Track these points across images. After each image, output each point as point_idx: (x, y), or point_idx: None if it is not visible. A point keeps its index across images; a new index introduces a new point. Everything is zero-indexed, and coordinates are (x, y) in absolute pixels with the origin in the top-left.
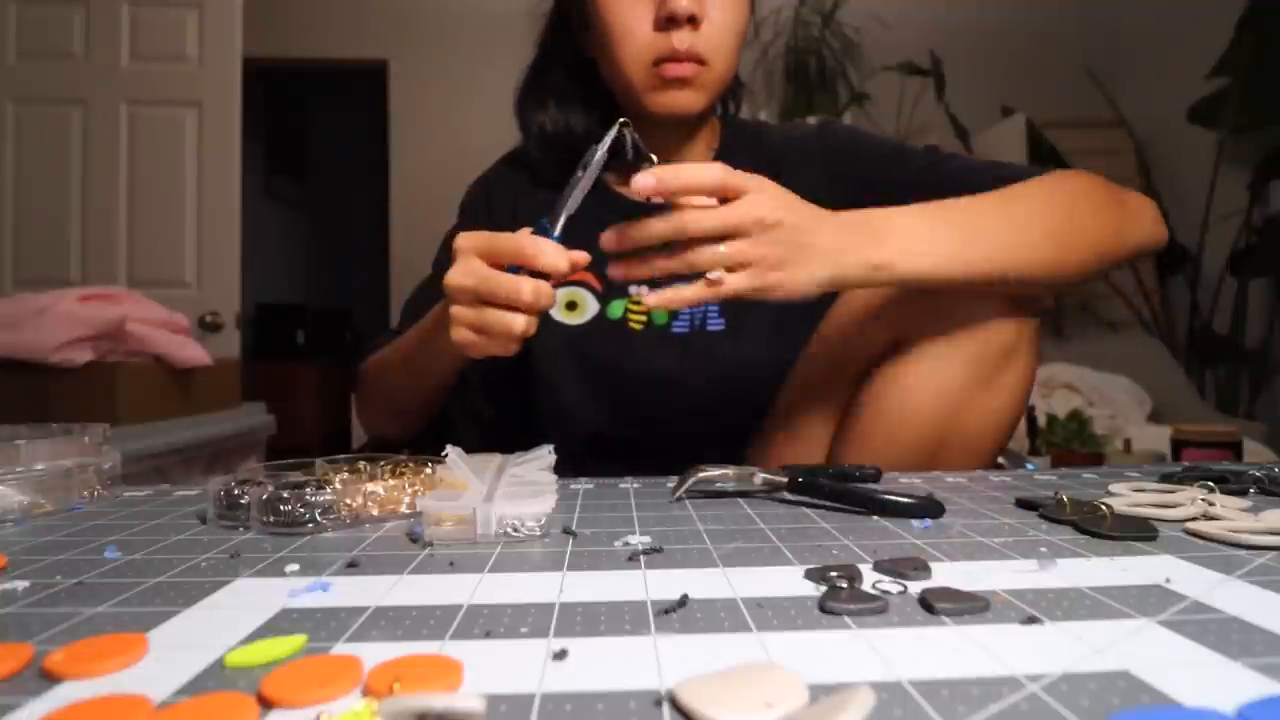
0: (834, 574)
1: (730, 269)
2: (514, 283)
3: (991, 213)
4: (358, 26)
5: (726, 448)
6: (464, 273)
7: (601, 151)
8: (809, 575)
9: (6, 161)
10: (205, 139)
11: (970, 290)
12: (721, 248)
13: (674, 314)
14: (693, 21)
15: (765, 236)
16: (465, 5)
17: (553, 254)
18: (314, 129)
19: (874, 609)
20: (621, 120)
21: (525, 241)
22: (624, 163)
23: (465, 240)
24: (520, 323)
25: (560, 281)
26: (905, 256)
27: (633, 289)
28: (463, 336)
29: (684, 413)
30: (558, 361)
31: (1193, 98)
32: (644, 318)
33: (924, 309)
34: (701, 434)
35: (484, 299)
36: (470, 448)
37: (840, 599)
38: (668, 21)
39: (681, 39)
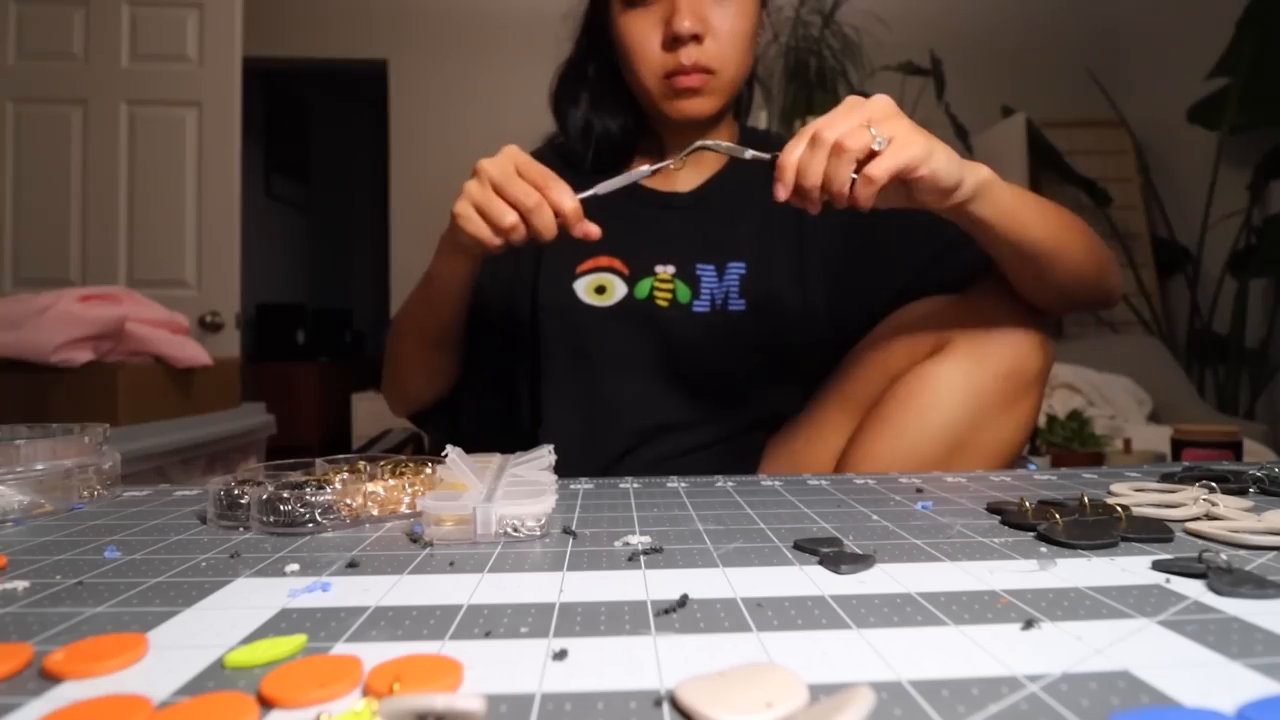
0: (824, 549)
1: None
2: (527, 188)
3: (1043, 206)
4: (358, 26)
5: (745, 435)
6: (495, 164)
7: (651, 169)
8: (799, 545)
9: (6, 161)
10: (205, 139)
11: (1013, 272)
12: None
13: (695, 293)
14: (697, 39)
15: (892, 119)
16: (465, 5)
17: (567, 196)
18: (314, 129)
19: (866, 566)
20: (684, 156)
21: (551, 175)
22: (649, 162)
23: (511, 149)
24: (512, 217)
25: (565, 231)
26: (989, 196)
27: (658, 267)
28: (463, 209)
29: (705, 391)
30: (591, 343)
31: (1193, 98)
32: (670, 295)
33: (970, 321)
34: (721, 416)
35: (497, 189)
36: (490, 446)
37: (838, 560)
38: (674, 40)
39: (688, 54)
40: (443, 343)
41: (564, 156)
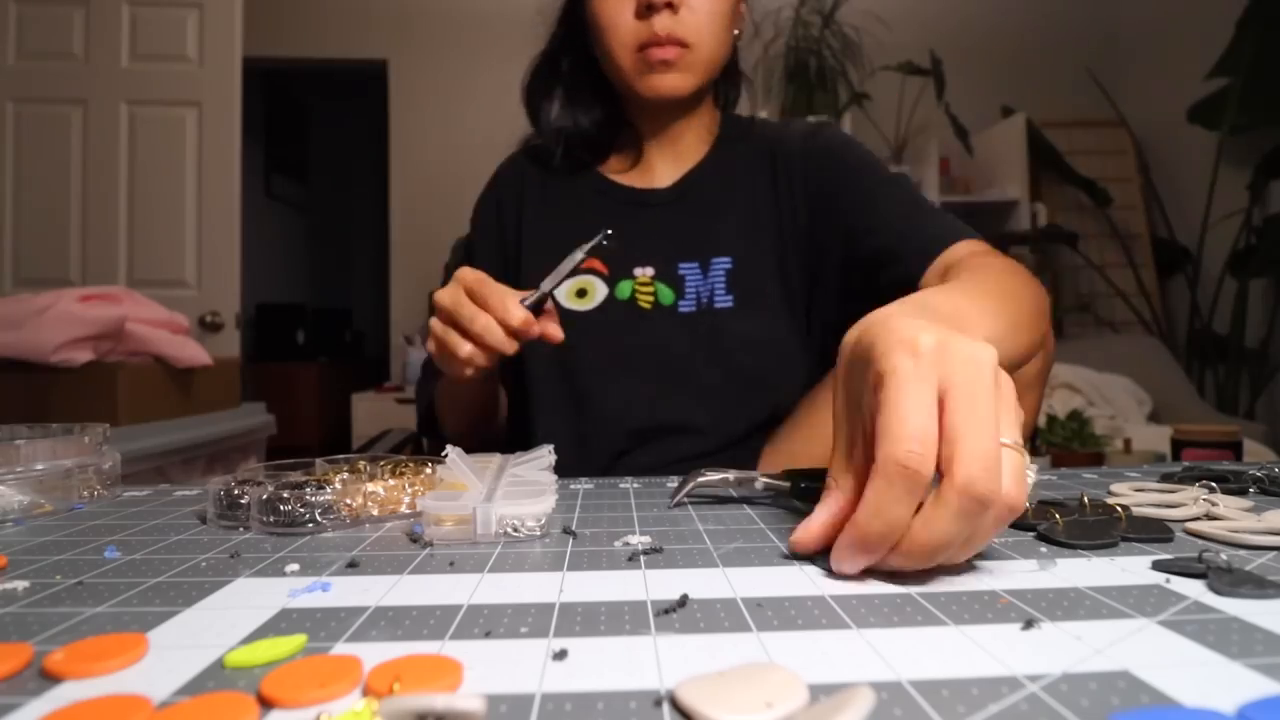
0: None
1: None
2: (473, 311)
3: (1004, 307)
4: (358, 26)
5: (745, 440)
6: (447, 293)
7: (583, 252)
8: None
9: (6, 161)
10: (205, 139)
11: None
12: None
13: (680, 293)
14: (671, 7)
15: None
16: (465, 5)
17: (514, 309)
18: (314, 129)
19: None
20: (607, 231)
21: (502, 298)
22: (627, 157)
23: (464, 272)
24: (465, 349)
25: (521, 340)
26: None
27: (636, 270)
28: (431, 347)
29: (698, 392)
30: (575, 348)
31: (1193, 98)
32: (652, 296)
33: None
34: (717, 418)
35: (452, 319)
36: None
37: None
38: (647, 9)
39: (662, 23)
40: (483, 419)
41: (537, 158)
